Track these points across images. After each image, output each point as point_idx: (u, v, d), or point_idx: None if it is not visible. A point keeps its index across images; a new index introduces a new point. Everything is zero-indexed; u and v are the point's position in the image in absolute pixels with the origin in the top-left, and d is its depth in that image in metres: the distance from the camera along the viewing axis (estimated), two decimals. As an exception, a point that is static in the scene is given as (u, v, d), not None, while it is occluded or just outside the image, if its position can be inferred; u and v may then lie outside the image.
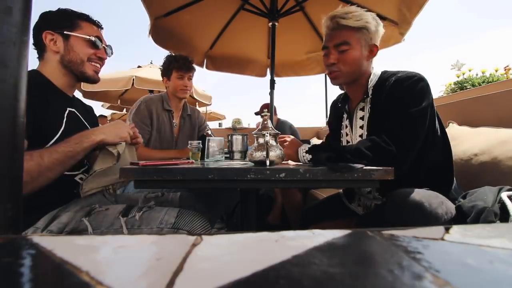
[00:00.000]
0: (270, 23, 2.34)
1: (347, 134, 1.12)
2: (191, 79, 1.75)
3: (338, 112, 1.20)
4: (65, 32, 0.95)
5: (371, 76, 1.02)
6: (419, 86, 0.91)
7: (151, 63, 5.64)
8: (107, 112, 7.58)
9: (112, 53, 1.08)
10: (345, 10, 0.99)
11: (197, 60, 2.78)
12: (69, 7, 1.02)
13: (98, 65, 1.03)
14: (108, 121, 6.20)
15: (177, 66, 1.69)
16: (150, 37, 2.35)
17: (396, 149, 0.86)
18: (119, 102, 5.76)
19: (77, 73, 0.98)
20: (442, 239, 0.24)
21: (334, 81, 1.05)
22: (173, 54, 1.78)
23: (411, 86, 0.92)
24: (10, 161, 0.30)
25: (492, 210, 0.83)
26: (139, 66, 5.34)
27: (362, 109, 1.05)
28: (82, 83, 1.06)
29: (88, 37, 0.98)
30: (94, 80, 1.03)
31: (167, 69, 1.72)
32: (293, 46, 2.97)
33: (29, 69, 0.36)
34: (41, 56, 0.97)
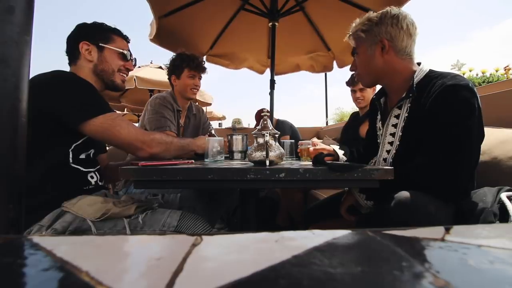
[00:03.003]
0: (270, 23, 2.34)
1: (379, 129, 1.11)
2: (201, 79, 1.73)
3: (374, 106, 1.19)
4: (100, 44, 1.06)
5: (416, 73, 0.97)
6: (467, 99, 0.84)
7: (151, 62, 5.64)
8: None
9: (135, 65, 1.20)
10: (352, 25, 1.07)
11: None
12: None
13: (125, 75, 1.15)
14: None
15: (192, 65, 1.65)
16: (152, 38, 2.35)
17: (444, 177, 0.85)
18: (121, 102, 5.76)
19: (108, 82, 1.09)
20: (442, 239, 0.24)
21: (362, 84, 1.18)
22: (186, 53, 1.73)
23: (459, 98, 0.84)
24: (11, 162, 0.30)
25: (492, 211, 0.83)
26: (139, 66, 5.33)
27: (399, 107, 1.00)
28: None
29: (120, 50, 1.10)
30: (121, 88, 1.14)
31: (179, 67, 1.67)
32: (293, 46, 2.97)
33: (31, 69, 0.36)
34: (73, 62, 1.07)
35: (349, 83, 2.13)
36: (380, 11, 0.99)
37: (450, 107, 0.85)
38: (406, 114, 0.98)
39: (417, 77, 0.96)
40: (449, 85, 0.85)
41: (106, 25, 1.10)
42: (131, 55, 1.14)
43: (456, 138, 0.84)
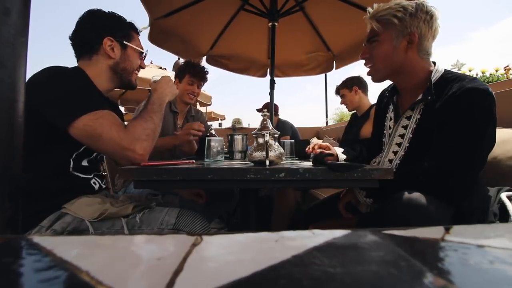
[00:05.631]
0: (270, 23, 2.34)
1: (390, 127, 1.06)
2: (200, 87, 1.81)
3: (385, 102, 1.14)
4: (124, 42, 1.01)
5: (433, 74, 0.92)
6: (486, 105, 0.81)
7: (151, 63, 5.64)
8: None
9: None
10: (377, 5, 0.96)
11: (197, 60, 2.79)
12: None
13: (137, 73, 1.09)
14: None
15: (192, 72, 1.74)
16: (149, 38, 2.36)
17: (454, 179, 0.83)
18: (119, 102, 5.77)
19: (125, 80, 1.04)
20: (442, 239, 0.24)
21: (372, 78, 1.03)
22: (192, 61, 1.87)
23: (478, 104, 0.81)
24: (8, 161, 0.30)
25: (492, 210, 0.83)
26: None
27: (412, 109, 0.96)
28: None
29: (141, 50, 1.06)
30: (135, 87, 1.10)
31: (182, 72, 1.77)
32: (293, 46, 2.97)
33: (29, 68, 0.36)
34: (87, 56, 0.98)
35: (335, 92, 2.35)
36: (414, 2, 0.92)
37: (469, 111, 0.82)
38: (419, 116, 0.94)
39: (434, 78, 0.92)
40: (469, 88, 0.82)
41: (125, 19, 1.04)
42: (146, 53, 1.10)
43: (471, 145, 0.82)
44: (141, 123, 0.92)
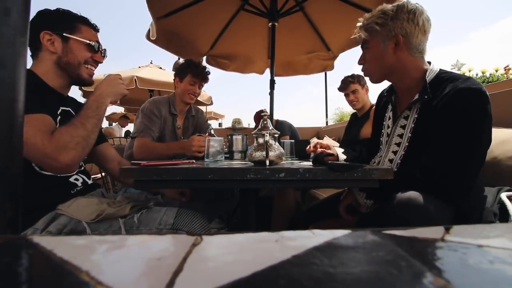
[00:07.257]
0: (270, 23, 2.34)
1: (388, 127, 1.08)
2: (201, 88, 1.79)
3: (383, 101, 1.17)
4: (64, 34, 0.96)
5: (427, 73, 0.94)
6: (480, 104, 0.82)
7: (151, 63, 5.64)
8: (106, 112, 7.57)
9: (106, 57, 1.08)
10: (364, 16, 1.02)
11: (197, 60, 2.79)
12: (68, 7, 1.01)
13: (93, 68, 1.04)
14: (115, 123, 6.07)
15: (194, 72, 1.71)
16: (150, 38, 2.35)
17: (449, 179, 0.83)
18: (118, 102, 5.76)
19: (73, 75, 1.00)
20: (442, 239, 0.24)
21: (370, 80, 1.10)
22: (193, 60, 1.84)
23: (472, 103, 0.82)
24: (8, 161, 0.30)
25: (492, 211, 0.83)
26: (139, 67, 5.34)
27: (409, 108, 0.98)
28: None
29: (87, 41, 1.00)
30: (89, 83, 1.04)
31: (183, 71, 1.74)
32: (293, 46, 2.97)
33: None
34: (35, 55, 0.97)
35: (341, 88, 2.22)
36: (396, 4, 0.95)
37: (462, 111, 0.83)
38: (416, 116, 0.95)
39: (428, 78, 0.94)
40: (462, 88, 0.83)
41: (71, 12, 1.00)
42: (99, 46, 1.04)
43: (467, 144, 0.83)
44: (70, 130, 0.85)
